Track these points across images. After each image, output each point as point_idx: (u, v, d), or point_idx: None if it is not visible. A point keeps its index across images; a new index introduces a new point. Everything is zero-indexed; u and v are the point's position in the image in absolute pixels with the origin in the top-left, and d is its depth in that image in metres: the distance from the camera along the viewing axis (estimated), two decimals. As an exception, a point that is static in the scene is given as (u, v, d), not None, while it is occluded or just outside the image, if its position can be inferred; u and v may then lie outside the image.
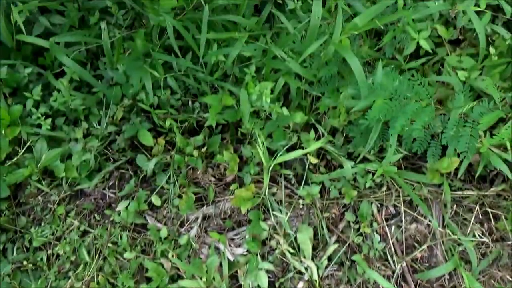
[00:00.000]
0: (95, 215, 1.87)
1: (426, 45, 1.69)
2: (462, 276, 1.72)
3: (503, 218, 1.82)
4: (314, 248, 1.78)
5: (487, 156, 1.68)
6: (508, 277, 1.76)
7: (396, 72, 1.63)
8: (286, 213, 1.80)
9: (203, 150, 1.89)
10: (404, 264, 1.77)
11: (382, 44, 1.77)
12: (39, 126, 1.80)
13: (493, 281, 1.76)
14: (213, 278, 1.69)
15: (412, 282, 1.76)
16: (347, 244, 1.80)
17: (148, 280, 1.76)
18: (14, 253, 1.82)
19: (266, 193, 1.79)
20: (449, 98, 1.76)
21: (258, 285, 1.70)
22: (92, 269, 1.75)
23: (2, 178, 1.74)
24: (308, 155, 1.81)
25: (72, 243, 1.80)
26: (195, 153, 1.86)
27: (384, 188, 1.86)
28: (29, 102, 1.80)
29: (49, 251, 1.81)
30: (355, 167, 1.78)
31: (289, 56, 1.68)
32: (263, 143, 1.72)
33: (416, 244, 1.82)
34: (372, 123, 1.60)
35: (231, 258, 1.75)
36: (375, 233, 1.81)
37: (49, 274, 1.76)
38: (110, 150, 1.95)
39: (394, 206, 1.86)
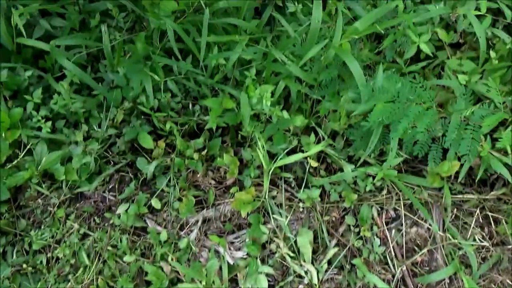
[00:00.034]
0: (95, 218, 1.87)
1: (426, 49, 1.69)
2: (462, 280, 1.71)
3: (504, 222, 1.81)
4: (314, 252, 1.78)
5: (488, 160, 1.68)
6: (508, 281, 1.76)
7: (397, 75, 1.63)
8: (286, 217, 1.80)
9: (203, 153, 1.88)
10: (404, 268, 1.77)
11: (382, 48, 1.77)
12: (40, 129, 1.80)
13: (493, 285, 1.76)
14: (213, 282, 1.69)
15: (412, 286, 1.76)
16: (347, 247, 1.80)
17: (148, 283, 1.76)
18: (14, 256, 1.81)
19: (266, 197, 1.79)
20: (449, 101, 1.76)
21: (258, 289, 1.70)
22: (91, 272, 1.74)
23: (2, 181, 1.74)
24: (308, 158, 1.81)
25: (72, 246, 1.79)
26: (195, 156, 1.86)
27: (385, 192, 1.86)
28: (30, 105, 1.80)
29: (49, 254, 1.81)
30: (355, 171, 1.78)
31: (290, 59, 1.68)
32: (264, 146, 1.72)
33: (416, 248, 1.81)
34: (373, 126, 1.60)
35: (231, 262, 1.75)
36: (375, 236, 1.80)
37: (48, 277, 1.75)
38: (110, 153, 1.95)
39: (395, 209, 1.86)
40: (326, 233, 1.81)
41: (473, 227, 1.81)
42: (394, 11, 1.68)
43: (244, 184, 1.87)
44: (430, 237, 1.81)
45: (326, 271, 1.75)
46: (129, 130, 1.89)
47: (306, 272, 1.73)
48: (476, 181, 1.81)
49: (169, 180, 1.87)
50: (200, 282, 1.67)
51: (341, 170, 1.82)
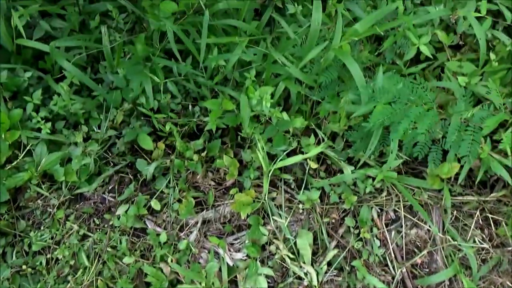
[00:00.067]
0: (95, 219, 1.87)
1: (426, 51, 1.69)
2: (462, 282, 1.71)
3: (504, 224, 1.81)
4: (313, 253, 1.78)
5: (488, 162, 1.68)
6: (508, 283, 1.76)
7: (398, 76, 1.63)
8: (286, 218, 1.80)
9: (203, 154, 1.88)
10: (404, 270, 1.77)
11: (382, 49, 1.77)
12: (39, 130, 1.80)
13: (493, 287, 1.76)
14: (213, 283, 1.69)
15: (412, 288, 1.76)
16: (347, 249, 1.80)
17: (147, 285, 1.76)
18: (14, 257, 1.81)
19: (266, 198, 1.79)
20: (449, 103, 1.76)
21: (258, 290, 1.70)
22: (91, 274, 1.74)
23: (2, 182, 1.74)
24: (308, 160, 1.81)
25: (71, 247, 1.79)
26: (195, 157, 1.86)
27: (384, 193, 1.86)
28: (29, 106, 1.80)
29: (49, 255, 1.81)
30: (355, 172, 1.78)
31: (290, 61, 1.68)
32: (263, 148, 1.72)
33: (416, 250, 1.81)
34: (373, 127, 1.60)
35: (231, 263, 1.75)
36: (375, 238, 1.80)
37: (48, 278, 1.75)
38: (110, 154, 1.95)
39: (394, 211, 1.86)
40: (325, 235, 1.81)
41: (473, 229, 1.80)
42: (394, 12, 1.68)
43: (244, 185, 1.87)
44: (430, 239, 1.81)
45: (325, 272, 1.75)
46: (129, 131, 1.89)
47: (305, 274, 1.73)
48: (476, 183, 1.81)
49: (169, 181, 1.87)
50: (200, 283, 1.67)
51: (341, 171, 1.82)
